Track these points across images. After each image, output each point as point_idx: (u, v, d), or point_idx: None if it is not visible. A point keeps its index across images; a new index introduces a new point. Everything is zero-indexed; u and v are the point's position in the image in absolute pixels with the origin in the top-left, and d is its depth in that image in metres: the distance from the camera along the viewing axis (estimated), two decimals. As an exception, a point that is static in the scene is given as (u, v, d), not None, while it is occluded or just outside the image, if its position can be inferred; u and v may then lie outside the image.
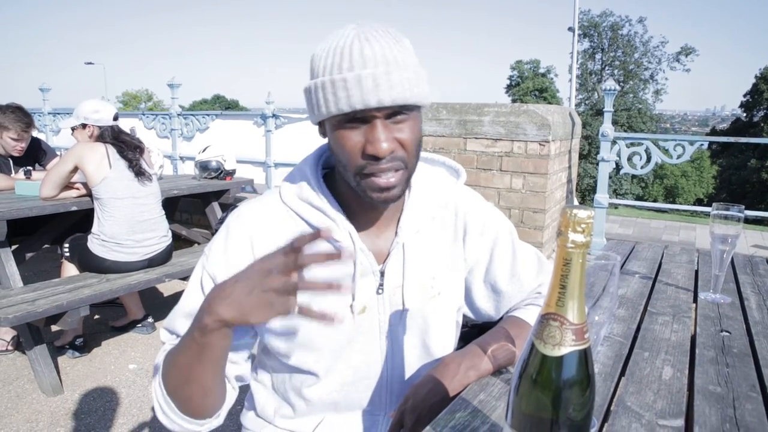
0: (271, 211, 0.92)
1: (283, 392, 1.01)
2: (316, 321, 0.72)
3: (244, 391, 1.04)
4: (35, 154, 3.49)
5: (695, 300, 1.33)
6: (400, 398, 0.99)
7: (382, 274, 0.93)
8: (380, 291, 0.93)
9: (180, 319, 0.91)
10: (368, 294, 0.93)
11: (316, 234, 0.70)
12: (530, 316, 0.97)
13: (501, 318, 1.04)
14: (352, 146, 0.81)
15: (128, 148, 2.81)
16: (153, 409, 2.61)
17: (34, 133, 3.45)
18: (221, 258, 0.90)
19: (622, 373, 0.92)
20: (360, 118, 0.79)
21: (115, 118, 2.84)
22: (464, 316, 1.11)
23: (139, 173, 2.81)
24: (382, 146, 0.79)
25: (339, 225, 0.90)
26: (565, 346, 0.51)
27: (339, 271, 0.91)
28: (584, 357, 0.52)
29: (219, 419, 0.90)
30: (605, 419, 0.77)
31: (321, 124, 0.88)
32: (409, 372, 0.99)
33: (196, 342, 0.77)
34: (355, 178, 0.83)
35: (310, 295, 0.87)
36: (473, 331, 1.19)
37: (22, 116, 3.18)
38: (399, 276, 0.94)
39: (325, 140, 0.91)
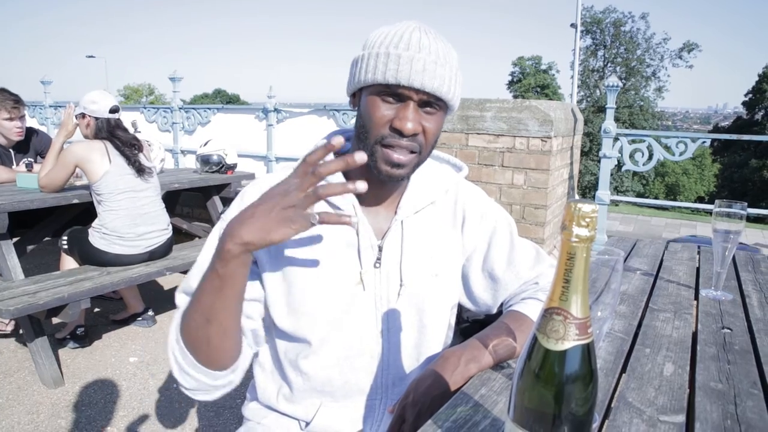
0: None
1: (281, 369, 1.02)
2: (336, 224, 0.77)
3: (245, 384, 1.04)
4: (36, 146, 3.49)
5: (696, 297, 1.33)
6: (397, 383, 1.00)
7: (381, 248, 0.97)
8: (378, 265, 0.97)
9: (197, 278, 0.91)
10: (366, 267, 0.96)
11: (329, 146, 0.74)
12: (530, 310, 0.98)
13: (500, 312, 1.05)
14: (381, 116, 0.87)
15: (124, 144, 2.76)
16: (156, 391, 2.57)
17: (36, 125, 3.45)
18: None
19: (623, 370, 0.92)
20: (397, 95, 0.86)
21: (113, 111, 2.77)
22: (465, 310, 1.12)
23: (140, 171, 2.79)
24: (408, 125, 0.85)
25: (344, 197, 0.94)
26: (568, 341, 0.51)
27: (344, 241, 0.95)
28: (587, 352, 0.52)
29: (235, 375, 0.91)
30: (606, 415, 0.77)
31: (354, 95, 0.94)
32: (405, 353, 1.00)
33: (218, 273, 0.79)
34: (373, 147, 0.88)
35: (318, 262, 0.94)
36: (474, 326, 1.20)
37: (7, 95, 3.17)
38: (397, 251, 0.98)
39: (335, 129, 0.95)
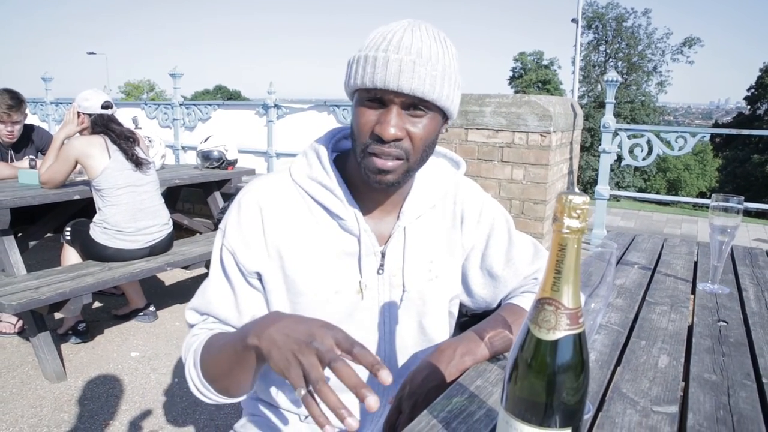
0: (280, 185, 0.95)
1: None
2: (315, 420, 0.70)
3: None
4: (37, 143, 3.49)
5: (693, 291, 1.34)
6: (397, 380, 1.00)
7: (383, 255, 0.97)
8: (381, 271, 0.97)
9: (206, 299, 0.94)
10: (369, 274, 0.96)
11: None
12: (527, 303, 0.98)
13: (499, 306, 1.06)
14: (365, 123, 0.85)
15: (119, 138, 2.83)
16: (158, 385, 2.58)
17: (37, 122, 3.45)
18: (237, 232, 0.93)
19: (619, 361, 0.92)
20: (381, 99, 0.83)
21: (105, 107, 2.85)
22: (462, 306, 1.12)
23: (138, 164, 2.84)
24: (389, 130, 0.82)
25: (346, 205, 0.93)
26: (559, 331, 0.52)
27: (346, 250, 0.94)
28: (578, 341, 0.53)
29: (252, 389, 0.92)
30: (600, 406, 0.78)
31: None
32: (406, 355, 1.01)
33: (237, 351, 0.80)
34: (360, 155, 0.87)
35: (321, 271, 0.93)
36: (472, 320, 1.20)
37: (7, 98, 3.16)
38: (399, 258, 0.98)
39: (338, 125, 0.94)
